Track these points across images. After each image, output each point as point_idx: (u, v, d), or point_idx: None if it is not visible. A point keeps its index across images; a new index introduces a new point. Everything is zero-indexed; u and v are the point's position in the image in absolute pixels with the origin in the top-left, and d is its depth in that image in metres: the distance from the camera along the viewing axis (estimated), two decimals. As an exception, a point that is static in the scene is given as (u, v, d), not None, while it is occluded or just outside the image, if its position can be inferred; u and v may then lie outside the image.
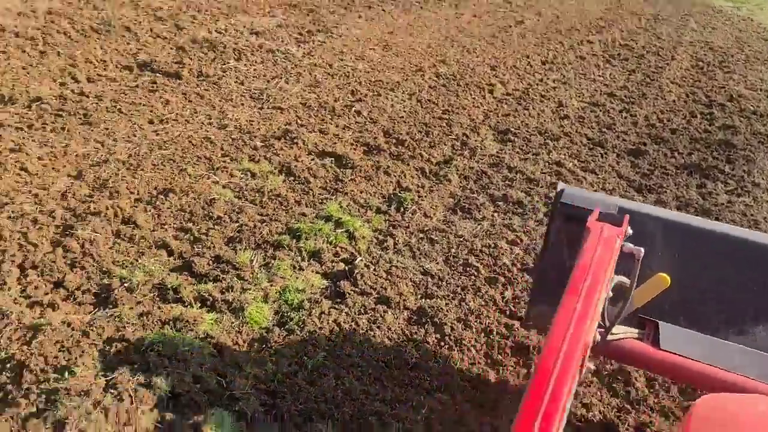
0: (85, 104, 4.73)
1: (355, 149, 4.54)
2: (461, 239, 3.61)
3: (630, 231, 1.72)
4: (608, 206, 1.85)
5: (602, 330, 1.70)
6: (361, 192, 3.97)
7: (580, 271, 1.35)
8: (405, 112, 5.33)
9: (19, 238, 3.13)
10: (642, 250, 1.61)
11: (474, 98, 5.82)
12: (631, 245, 1.63)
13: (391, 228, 3.65)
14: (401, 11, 8.70)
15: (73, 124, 4.41)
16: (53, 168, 3.84)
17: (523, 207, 4.01)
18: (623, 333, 1.85)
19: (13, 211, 3.33)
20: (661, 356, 1.79)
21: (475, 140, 4.92)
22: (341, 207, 3.77)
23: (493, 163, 4.59)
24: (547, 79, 6.64)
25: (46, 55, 5.52)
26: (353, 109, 5.22)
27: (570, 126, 5.43)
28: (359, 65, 6.36)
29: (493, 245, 3.54)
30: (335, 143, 4.56)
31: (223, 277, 3.04)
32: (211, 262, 3.15)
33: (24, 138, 4.14)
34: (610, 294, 1.59)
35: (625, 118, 5.75)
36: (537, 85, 6.41)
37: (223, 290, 2.96)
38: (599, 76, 6.94)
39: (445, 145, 4.79)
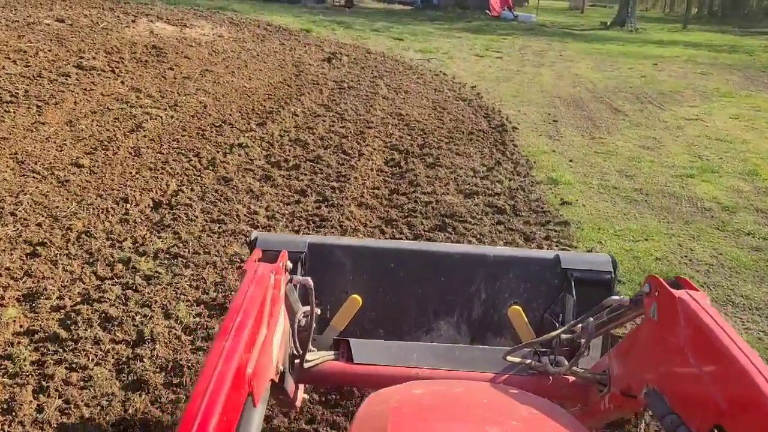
0: None
1: None
2: None
3: (290, 265, 1.68)
4: (298, 245, 2.03)
5: (299, 361, 1.80)
6: None
7: (231, 313, 1.28)
8: None
9: None
10: (309, 279, 1.70)
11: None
12: (299, 277, 1.71)
13: None
14: None
15: None
16: None
17: None
18: (320, 358, 1.89)
19: None
20: (355, 369, 1.89)
21: None
22: None
23: None
24: (146, 247, 3.64)
25: None
26: None
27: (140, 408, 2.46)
28: None
29: None
30: None
31: None
32: None
33: None
34: (302, 324, 1.74)
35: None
36: (123, 273, 3.35)
37: None
38: (246, 215, 4.21)
39: None
